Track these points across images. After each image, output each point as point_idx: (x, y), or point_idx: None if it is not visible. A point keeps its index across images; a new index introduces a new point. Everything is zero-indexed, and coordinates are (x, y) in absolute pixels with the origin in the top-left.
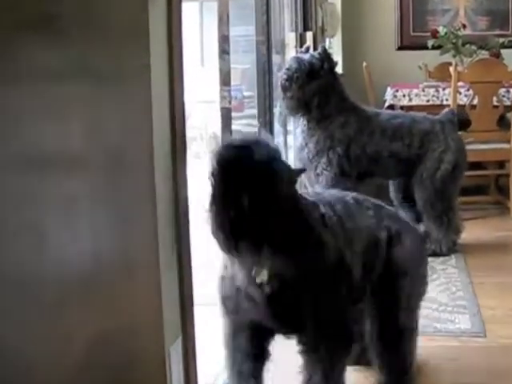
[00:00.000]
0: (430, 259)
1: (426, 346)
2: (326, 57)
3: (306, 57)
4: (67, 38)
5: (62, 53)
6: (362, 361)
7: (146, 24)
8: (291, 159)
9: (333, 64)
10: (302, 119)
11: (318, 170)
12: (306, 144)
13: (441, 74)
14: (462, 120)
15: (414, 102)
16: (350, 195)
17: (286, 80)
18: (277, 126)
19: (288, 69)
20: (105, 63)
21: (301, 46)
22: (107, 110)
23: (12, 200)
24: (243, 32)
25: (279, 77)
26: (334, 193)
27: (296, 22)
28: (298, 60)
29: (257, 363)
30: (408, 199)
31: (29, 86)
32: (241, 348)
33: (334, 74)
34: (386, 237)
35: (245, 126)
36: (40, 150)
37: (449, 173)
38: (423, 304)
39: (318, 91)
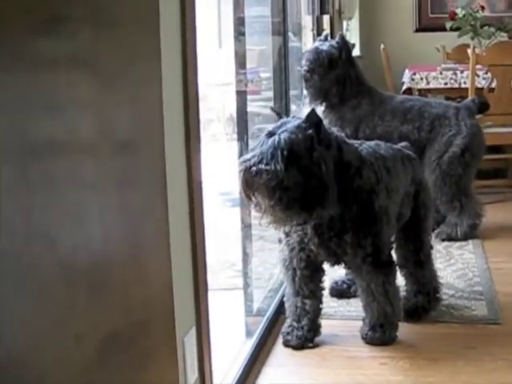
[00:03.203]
0: (446, 244)
1: (442, 333)
2: (344, 45)
3: (325, 47)
4: (78, 35)
5: (73, 48)
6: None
7: (157, 12)
8: None
9: (350, 52)
10: (320, 105)
11: None
12: None
13: (459, 55)
14: (480, 103)
15: (432, 85)
16: (385, 150)
17: (307, 72)
18: (293, 108)
19: (308, 60)
20: (115, 53)
21: (318, 30)
22: (118, 98)
23: (17, 191)
24: (259, 13)
25: (301, 69)
26: (370, 145)
27: (313, 5)
28: (317, 51)
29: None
30: None
31: (41, 80)
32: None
33: (351, 61)
34: (414, 190)
35: (262, 107)
36: (51, 140)
37: (457, 156)
38: None
39: (336, 80)
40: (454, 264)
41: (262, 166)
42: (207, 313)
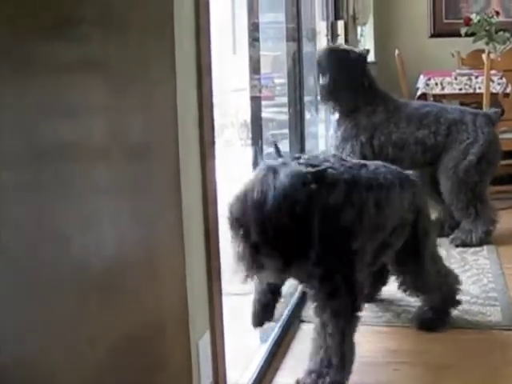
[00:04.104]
0: (460, 250)
1: (457, 339)
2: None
3: (339, 53)
4: (90, 38)
5: (85, 52)
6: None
7: (171, 16)
8: (321, 147)
9: (365, 58)
10: (334, 110)
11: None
12: (336, 132)
13: (474, 61)
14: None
15: (447, 91)
16: (381, 173)
17: (321, 77)
18: (307, 116)
19: (320, 61)
20: (128, 57)
21: (332, 35)
22: (130, 103)
23: (30, 195)
24: (273, 19)
25: (314, 74)
26: (368, 171)
27: (327, 11)
28: (329, 53)
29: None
30: (435, 191)
31: (53, 84)
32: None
33: (363, 67)
34: (412, 218)
35: (276, 113)
36: (64, 144)
37: (474, 164)
38: None
39: (347, 86)
40: (469, 270)
41: (255, 198)
42: (221, 317)
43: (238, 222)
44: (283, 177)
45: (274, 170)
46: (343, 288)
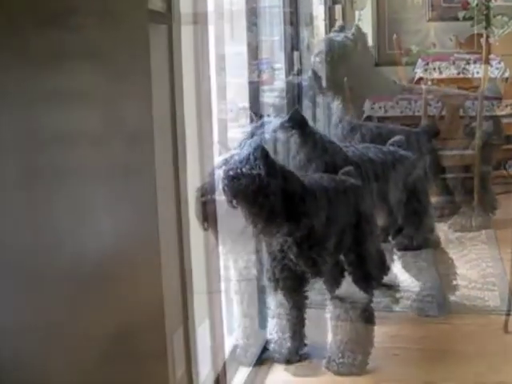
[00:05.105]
0: (459, 234)
1: (455, 324)
2: (360, 37)
3: (339, 38)
4: (83, 29)
5: (81, 40)
6: None
7: (169, 5)
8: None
9: (367, 44)
10: (335, 98)
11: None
12: (340, 121)
13: (472, 45)
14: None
15: (445, 75)
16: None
17: (319, 63)
18: (305, 101)
19: (321, 52)
20: (124, 45)
21: (330, 20)
22: (126, 90)
23: (25, 185)
24: (271, 3)
25: (312, 60)
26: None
27: None
28: (331, 42)
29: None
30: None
31: (49, 73)
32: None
33: (367, 53)
34: (406, 196)
35: (276, 98)
36: (60, 133)
37: (479, 148)
38: None
39: (350, 73)
40: (467, 254)
41: (240, 170)
42: (220, 304)
43: (230, 195)
44: (264, 133)
45: (251, 134)
46: (355, 258)
